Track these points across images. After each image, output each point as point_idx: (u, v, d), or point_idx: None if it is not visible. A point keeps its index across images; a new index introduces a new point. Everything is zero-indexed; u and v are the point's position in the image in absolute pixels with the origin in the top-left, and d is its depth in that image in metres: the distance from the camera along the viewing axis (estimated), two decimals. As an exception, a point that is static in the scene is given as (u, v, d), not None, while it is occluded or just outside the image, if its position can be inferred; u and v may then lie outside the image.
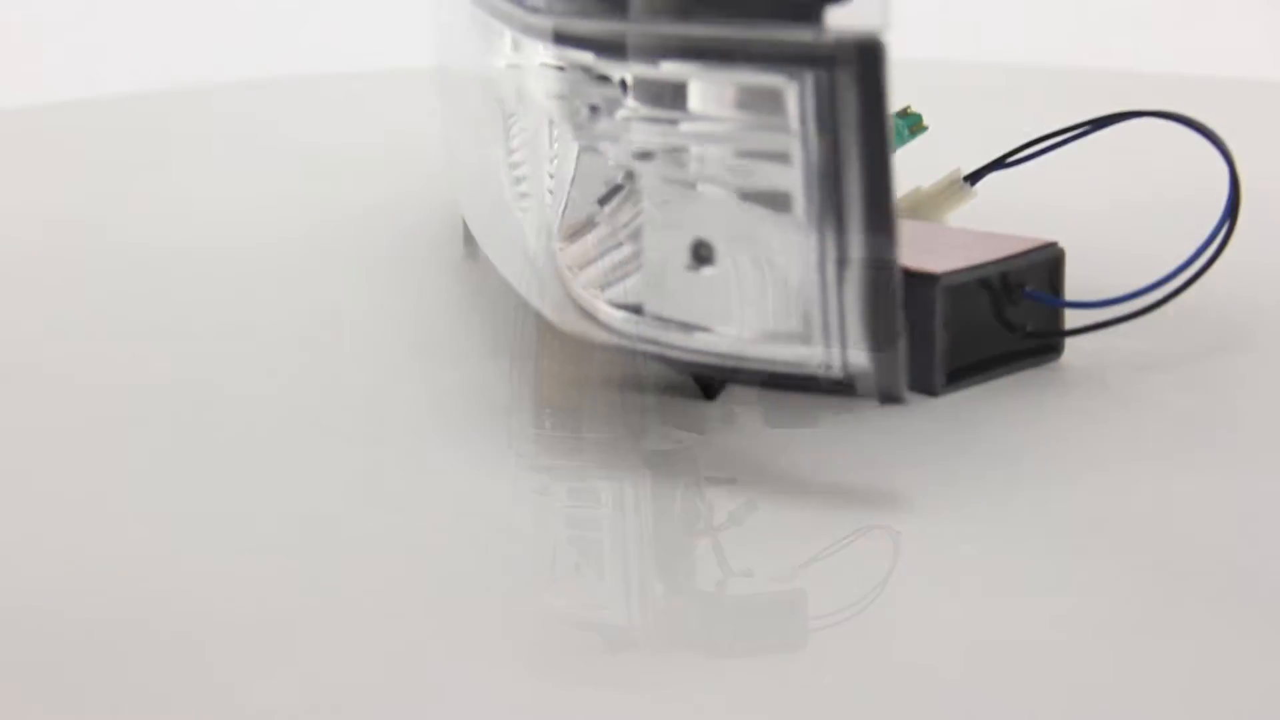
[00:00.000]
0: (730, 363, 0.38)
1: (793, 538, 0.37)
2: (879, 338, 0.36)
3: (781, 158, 0.36)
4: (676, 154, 0.38)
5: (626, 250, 0.40)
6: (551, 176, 0.42)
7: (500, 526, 0.38)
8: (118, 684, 0.32)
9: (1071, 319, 0.45)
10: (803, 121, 0.35)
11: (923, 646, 0.32)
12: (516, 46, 0.43)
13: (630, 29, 0.38)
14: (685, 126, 0.38)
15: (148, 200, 0.68)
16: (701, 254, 0.38)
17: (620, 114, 0.39)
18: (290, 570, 0.36)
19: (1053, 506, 0.38)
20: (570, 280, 0.41)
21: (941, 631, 0.33)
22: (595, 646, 0.33)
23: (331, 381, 0.47)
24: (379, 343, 0.50)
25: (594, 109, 0.39)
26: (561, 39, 0.40)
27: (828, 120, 0.35)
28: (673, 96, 0.38)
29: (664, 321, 0.39)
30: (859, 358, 0.36)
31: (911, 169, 0.45)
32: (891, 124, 0.35)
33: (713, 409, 0.43)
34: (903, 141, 0.49)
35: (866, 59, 0.34)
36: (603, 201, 0.41)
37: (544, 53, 0.41)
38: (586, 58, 0.39)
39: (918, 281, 0.41)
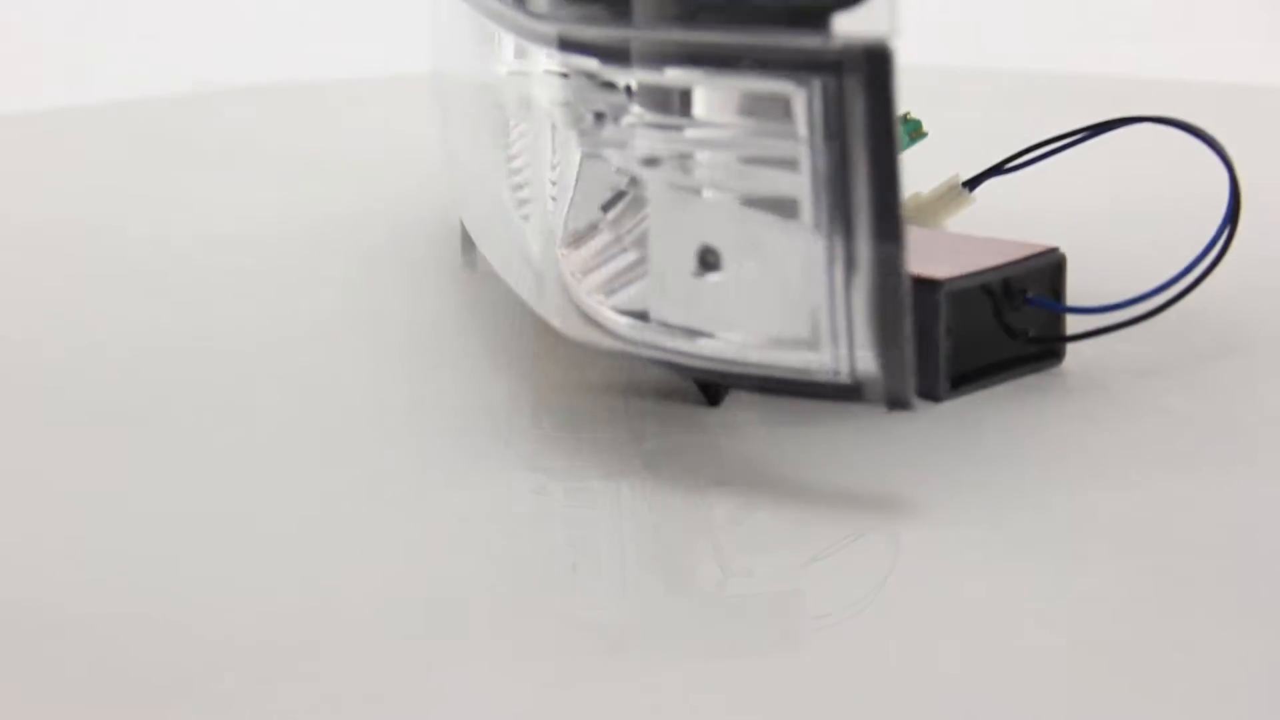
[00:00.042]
0: (736, 368, 0.38)
1: (793, 539, 0.37)
2: (887, 343, 0.36)
3: (789, 164, 0.36)
4: (683, 160, 0.38)
5: (631, 256, 0.40)
6: (554, 183, 0.42)
7: (500, 526, 0.38)
8: (117, 684, 0.32)
9: (1073, 324, 0.45)
10: (810, 128, 0.35)
11: (923, 649, 0.33)
12: (520, 53, 0.43)
13: (636, 35, 0.38)
14: (691, 132, 0.38)
15: (148, 204, 0.69)
16: (708, 260, 0.38)
17: (626, 120, 0.39)
18: (290, 571, 0.36)
19: (1054, 511, 0.38)
20: (574, 286, 0.41)
21: (942, 635, 0.33)
22: (595, 647, 0.33)
23: (331, 382, 0.47)
24: (378, 344, 0.50)
25: (599, 115, 0.39)
26: (567, 45, 0.40)
27: (836, 127, 0.35)
28: (679, 103, 0.38)
29: (669, 327, 0.39)
30: (867, 363, 0.36)
31: (911, 175, 0.45)
32: (899, 130, 0.35)
33: (715, 414, 0.43)
34: (903, 147, 0.49)
35: (875, 65, 0.34)
36: (606, 208, 0.41)
37: (548, 59, 0.41)
38: (591, 64, 0.39)
39: (921, 287, 0.41)
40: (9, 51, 0.99)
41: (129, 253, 0.61)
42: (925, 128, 0.52)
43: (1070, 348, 0.45)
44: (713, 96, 0.37)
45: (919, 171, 0.48)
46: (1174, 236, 0.46)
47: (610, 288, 0.40)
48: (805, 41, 0.35)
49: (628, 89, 0.39)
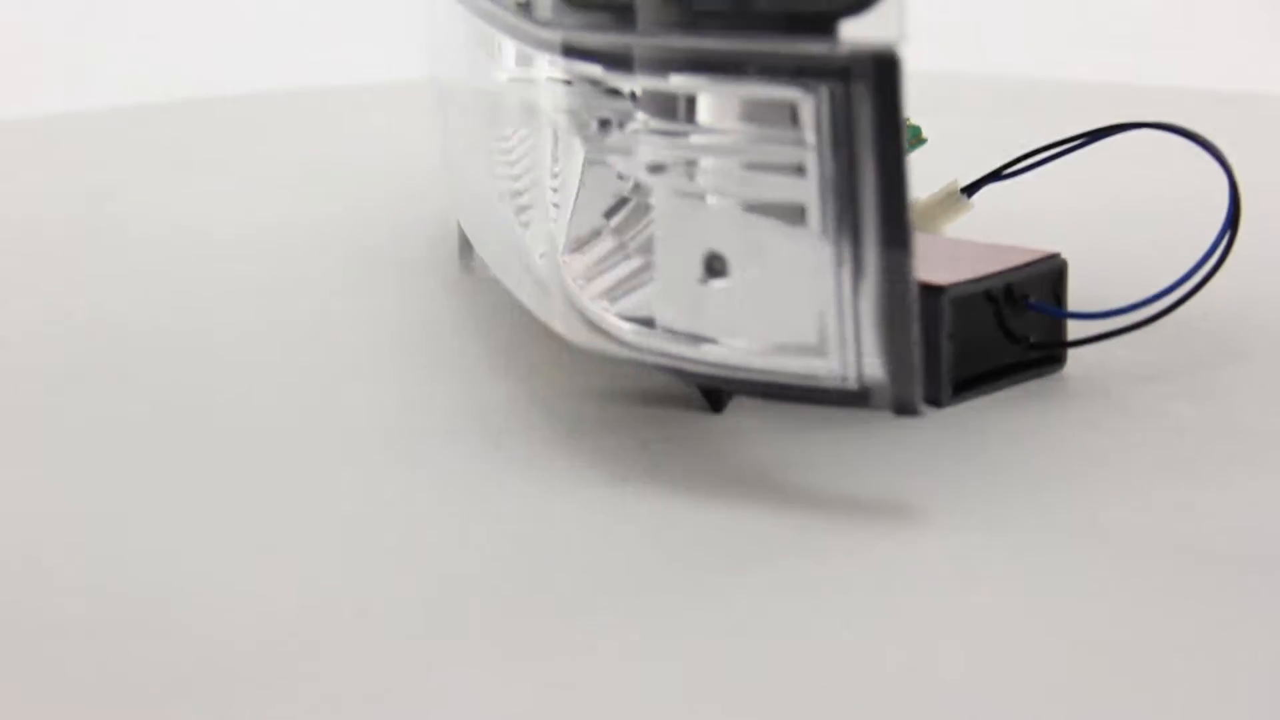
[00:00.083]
0: (742, 374, 0.38)
1: (795, 543, 0.37)
2: (895, 349, 0.36)
3: (795, 170, 0.36)
4: (688, 166, 0.38)
5: (636, 262, 0.40)
6: (556, 190, 0.42)
7: (501, 527, 0.38)
8: (117, 684, 0.32)
9: (1074, 330, 0.45)
10: (818, 134, 0.35)
11: (925, 655, 0.33)
12: (523, 59, 0.43)
13: (640, 42, 0.38)
14: (696, 139, 0.37)
15: (148, 207, 0.69)
16: (714, 266, 0.38)
17: (631, 127, 0.39)
18: (290, 571, 0.36)
19: (1055, 516, 0.38)
20: (577, 292, 0.41)
21: (943, 638, 0.33)
22: (595, 648, 0.33)
23: (330, 383, 0.47)
24: (378, 346, 0.50)
25: (604, 122, 0.39)
26: (571, 52, 0.40)
27: (844, 133, 0.35)
28: (684, 109, 0.38)
29: (674, 333, 0.39)
30: (874, 369, 0.36)
31: (910, 180, 0.45)
32: (906, 136, 0.35)
33: (718, 420, 0.43)
34: (905, 153, 0.49)
35: (882, 72, 0.34)
36: (609, 214, 0.41)
37: (552, 66, 0.41)
38: (596, 71, 0.39)
39: (924, 293, 0.41)
40: (10, 55, 0.99)
41: (129, 255, 0.61)
42: (925, 134, 0.52)
43: (1072, 353, 0.45)
44: (718, 102, 0.37)
45: (918, 177, 0.48)
46: (1174, 242, 0.46)
47: (615, 294, 0.40)
48: (813, 48, 0.35)
49: (632, 95, 0.39)
